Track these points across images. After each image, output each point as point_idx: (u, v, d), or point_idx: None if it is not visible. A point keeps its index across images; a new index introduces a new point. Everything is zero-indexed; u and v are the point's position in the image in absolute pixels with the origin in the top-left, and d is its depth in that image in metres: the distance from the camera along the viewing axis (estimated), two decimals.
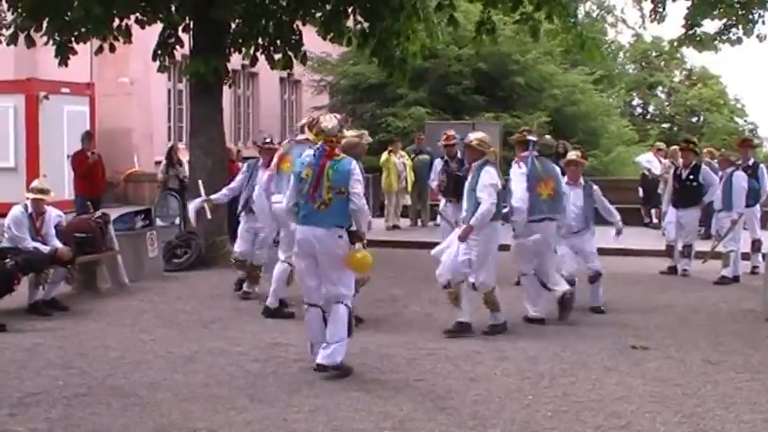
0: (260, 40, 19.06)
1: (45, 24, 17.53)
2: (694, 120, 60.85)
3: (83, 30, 17.67)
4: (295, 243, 10.19)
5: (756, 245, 17.63)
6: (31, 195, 13.15)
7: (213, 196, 15.02)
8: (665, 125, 60.60)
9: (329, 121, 10.10)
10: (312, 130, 10.29)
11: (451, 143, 16.51)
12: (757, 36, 21.97)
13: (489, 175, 11.61)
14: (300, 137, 12.55)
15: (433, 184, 17.27)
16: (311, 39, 19.81)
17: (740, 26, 21.68)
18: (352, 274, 10.05)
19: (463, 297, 11.80)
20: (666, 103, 63.47)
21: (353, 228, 9.89)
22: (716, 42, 22.33)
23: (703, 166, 17.60)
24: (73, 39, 17.92)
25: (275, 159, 13.15)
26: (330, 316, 9.85)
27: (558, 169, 13.13)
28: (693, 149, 17.80)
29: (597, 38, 22.43)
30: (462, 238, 11.67)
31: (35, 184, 13.57)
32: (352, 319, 10.09)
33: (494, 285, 11.89)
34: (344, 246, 9.76)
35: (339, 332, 9.76)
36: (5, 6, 18.09)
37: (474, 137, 12.04)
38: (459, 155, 16.06)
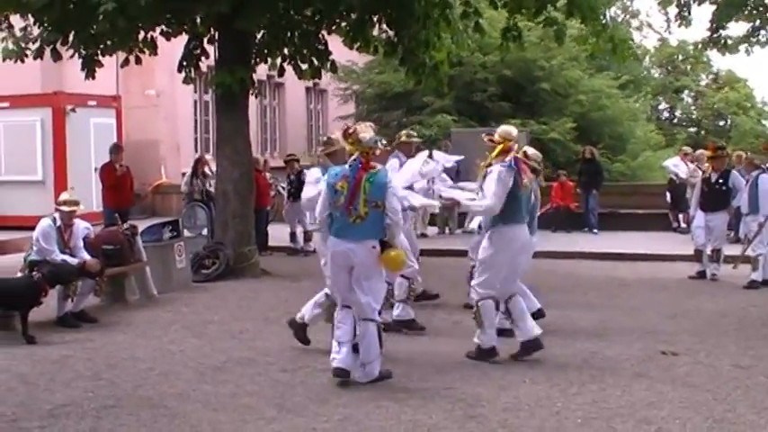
0: (286, 51, 19.10)
1: (71, 38, 17.59)
2: (721, 123, 60.66)
3: (108, 42, 17.72)
4: (328, 255, 10.11)
5: None
6: (65, 208, 13.19)
7: None
8: (691, 129, 60.50)
9: (366, 131, 9.92)
10: (348, 138, 10.08)
11: None
12: None
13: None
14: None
15: None
16: (336, 47, 19.80)
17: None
18: (384, 286, 10.11)
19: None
20: (693, 107, 63.34)
21: (386, 238, 9.82)
22: (744, 45, 22.28)
23: (733, 171, 17.56)
24: (99, 51, 17.97)
25: None
26: (360, 335, 9.84)
27: None
28: (726, 156, 17.78)
29: (628, 39, 22.30)
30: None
31: (64, 196, 13.62)
32: (382, 333, 10.09)
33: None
34: (377, 256, 9.74)
35: (372, 351, 9.81)
36: (31, 20, 18.17)
37: (497, 131, 11.17)
38: None
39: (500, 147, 10.95)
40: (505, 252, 10.94)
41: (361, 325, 9.85)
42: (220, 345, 11.91)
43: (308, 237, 21.62)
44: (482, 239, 11.32)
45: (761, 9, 21.33)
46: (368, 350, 9.80)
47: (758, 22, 21.64)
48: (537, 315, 12.55)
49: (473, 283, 11.23)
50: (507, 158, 10.86)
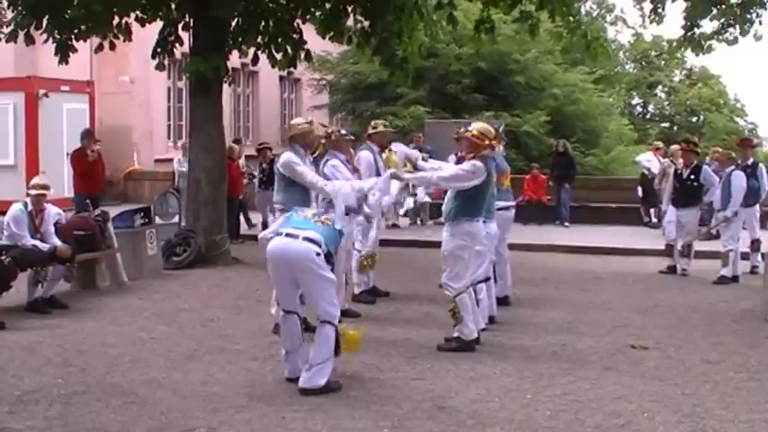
0: (260, 39, 19.06)
1: (45, 22, 17.50)
2: (694, 119, 60.90)
3: (83, 27, 17.63)
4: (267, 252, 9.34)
5: (756, 244, 17.64)
6: (33, 192, 13.15)
7: None
8: (664, 125, 60.75)
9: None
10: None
11: None
12: (754, 35, 22.00)
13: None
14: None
15: None
16: (310, 37, 19.77)
17: (737, 26, 21.70)
18: (333, 289, 9.21)
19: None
20: (666, 103, 63.57)
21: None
22: (711, 42, 22.37)
23: (704, 167, 17.62)
24: (73, 36, 17.87)
25: None
26: (315, 336, 9.15)
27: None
28: (694, 150, 17.81)
29: (602, 37, 22.33)
30: None
31: (35, 180, 13.59)
32: (340, 339, 9.24)
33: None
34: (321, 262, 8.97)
35: (323, 353, 9.03)
36: (5, 4, 18.06)
37: (475, 127, 11.07)
38: None
39: (486, 143, 10.86)
40: (467, 246, 10.90)
41: (318, 327, 9.13)
42: (191, 332, 11.89)
43: None
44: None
45: (733, 7, 21.37)
46: (317, 351, 9.03)
47: (730, 20, 21.69)
48: (501, 301, 12.71)
49: (443, 279, 11.06)
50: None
